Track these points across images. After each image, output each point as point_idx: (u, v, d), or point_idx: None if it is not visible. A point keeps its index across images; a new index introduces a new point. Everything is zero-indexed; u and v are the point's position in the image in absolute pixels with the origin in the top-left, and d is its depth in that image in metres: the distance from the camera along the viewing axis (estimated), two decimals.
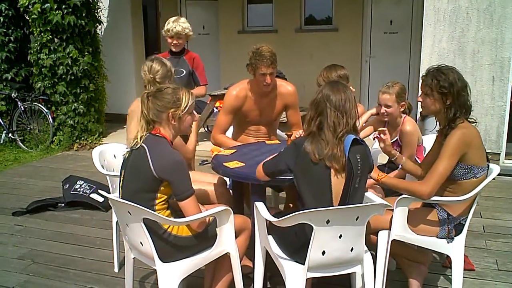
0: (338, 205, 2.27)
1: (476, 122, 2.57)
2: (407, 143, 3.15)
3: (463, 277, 2.62)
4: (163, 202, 2.34)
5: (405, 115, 3.23)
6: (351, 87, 3.37)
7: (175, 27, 4.20)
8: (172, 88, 2.43)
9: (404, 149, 3.15)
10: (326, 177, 2.24)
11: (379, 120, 3.36)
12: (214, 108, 7.26)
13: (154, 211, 2.28)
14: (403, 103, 3.17)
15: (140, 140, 2.34)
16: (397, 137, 3.22)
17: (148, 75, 3.08)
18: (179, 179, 2.29)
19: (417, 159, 3.13)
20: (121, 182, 2.42)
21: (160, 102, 2.37)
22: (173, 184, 2.29)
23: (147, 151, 2.29)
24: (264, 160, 2.51)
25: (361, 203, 2.38)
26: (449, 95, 2.50)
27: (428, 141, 3.22)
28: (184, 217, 2.31)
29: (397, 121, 3.22)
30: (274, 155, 2.48)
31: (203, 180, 3.12)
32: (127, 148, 2.48)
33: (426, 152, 3.00)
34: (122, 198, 2.37)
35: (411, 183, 2.63)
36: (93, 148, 3.59)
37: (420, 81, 2.68)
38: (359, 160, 2.26)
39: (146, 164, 2.27)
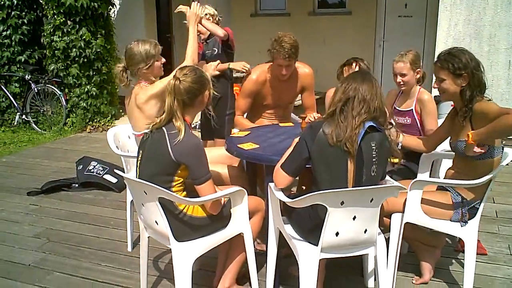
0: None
1: (491, 100, 2.54)
2: (429, 112, 3.12)
3: (475, 261, 2.62)
4: (180, 184, 2.36)
5: (420, 87, 3.19)
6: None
7: None
8: (196, 68, 2.44)
9: (426, 118, 3.12)
10: (343, 161, 2.22)
11: (393, 93, 3.33)
12: None
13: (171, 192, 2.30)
14: (418, 69, 3.13)
15: (164, 124, 2.34)
16: (413, 107, 3.18)
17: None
18: (197, 164, 2.30)
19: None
20: (138, 162, 2.43)
21: (196, 85, 2.36)
22: (190, 168, 2.30)
23: (166, 134, 2.30)
24: (279, 164, 2.39)
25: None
26: (464, 77, 2.49)
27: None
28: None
29: (412, 90, 3.18)
30: (287, 153, 2.38)
31: (218, 155, 3.10)
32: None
33: (436, 129, 2.98)
34: (139, 179, 2.38)
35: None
36: (105, 130, 3.63)
37: (433, 67, 2.65)
38: (374, 147, 2.23)
39: (165, 147, 2.27)
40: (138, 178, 2.41)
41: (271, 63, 3.42)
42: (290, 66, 3.25)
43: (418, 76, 3.15)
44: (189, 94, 2.35)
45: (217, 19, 3.98)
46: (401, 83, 3.14)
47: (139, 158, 2.43)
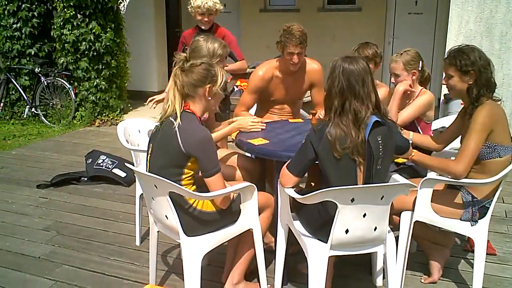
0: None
1: (501, 100, 2.54)
2: (413, 102, 3.04)
3: (484, 261, 2.60)
4: (190, 178, 2.37)
5: (422, 87, 3.14)
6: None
7: (206, 3, 3.96)
8: (208, 63, 2.44)
9: (407, 106, 3.05)
10: (352, 160, 2.22)
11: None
12: (235, 87, 7.26)
13: (180, 186, 2.31)
14: (413, 71, 3.05)
15: (171, 115, 2.35)
16: None
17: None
18: (206, 156, 2.30)
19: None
20: (149, 155, 2.44)
21: (196, 76, 2.37)
22: (200, 161, 2.30)
23: (176, 126, 2.30)
24: (285, 165, 2.41)
25: (385, 182, 2.37)
26: (471, 74, 2.48)
27: (449, 122, 3.14)
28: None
29: (412, 91, 3.09)
30: (294, 155, 2.39)
31: (228, 157, 3.12)
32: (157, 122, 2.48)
33: (447, 127, 2.96)
34: (149, 172, 2.40)
35: (445, 161, 2.60)
36: (114, 125, 3.64)
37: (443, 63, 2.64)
38: (380, 142, 2.23)
39: (175, 139, 2.28)
40: (148, 171, 2.42)
41: (279, 58, 3.41)
42: (301, 54, 3.25)
43: (414, 77, 3.06)
44: (188, 82, 2.36)
45: (215, 9, 3.99)
46: (395, 83, 3.11)
47: (150, 151, 2.44)
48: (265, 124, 3.07)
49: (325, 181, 2.31)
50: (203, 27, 4.10)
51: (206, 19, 4.03)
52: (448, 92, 2.68)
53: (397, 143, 2.37)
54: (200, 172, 2.36)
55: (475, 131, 2.43)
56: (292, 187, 2.40)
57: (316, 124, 2.38)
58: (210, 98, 2.42)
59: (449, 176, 2.50)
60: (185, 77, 2.37)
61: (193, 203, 2.37)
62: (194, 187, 2.40)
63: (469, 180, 2.51)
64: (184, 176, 2.34)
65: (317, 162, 2.31)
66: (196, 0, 4.00)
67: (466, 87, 2.51)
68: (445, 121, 3.49)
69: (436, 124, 3.40)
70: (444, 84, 2.64)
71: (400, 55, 3.08)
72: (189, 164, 2.32)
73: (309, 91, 3.59)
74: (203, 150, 2.29)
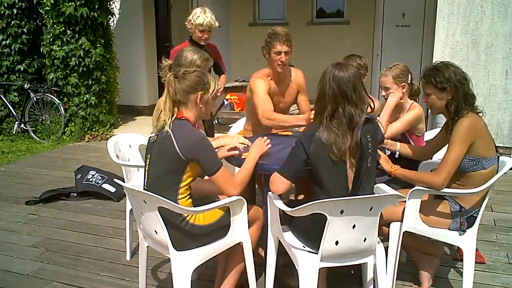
0: (352, 186, 2.30)
1: (482, 112, 2.59)
2: (402, 117, 3.09)
3: (474, 269, 2.61)
4: (187, 187, 2.39)
5: (412, 101, 3.19)
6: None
7: (208, 20, 3.97)
8: (201, 71, 2.49)
9: (394, 118, 3.11)
10: (342, 164, 2.27)
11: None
12: (225, 100, 7.30)
13: (178, 195, 2.34)
14: (403, 84, 3.09)
15: (165, 124, 2.37)
16: None
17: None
18: (205, 155, 2.34)
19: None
20: (147, 166, 2.46)
21: (188, 83, 2.40)
22: (200, 162, 2.33)
23: (171, 134, 2.33)
24: (276, 171, 2.42)
25: (374, 183, 2.43)
26: (448, 90, 2.54)
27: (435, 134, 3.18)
28: (205, 205, 2.36)
29: (403, 104, 3.15)
30: (285, 159, 2.42)
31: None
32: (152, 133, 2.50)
33: (430, 140, 3.02)
34: (147, 182, 2.43)
35: (424, 174, 2.65)
36: (104, 139, 3.63)
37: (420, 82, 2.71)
38: (369, 139, 2.29)
39: (172, 146, 2.30)
40: (146, 181, 2.44)
41: (268, 67, 3.43)
42: (288, 54, 3.28)
43: (404, 90, 3.11)
44: (181, 89, 2.39)
45: (215, 26, 4.02)
46: (386, 97, 3.16)
47: (148, 162, 2.45)
48: (250, 142, 3.04)
49: (316, 183, 2.33)
50: (202, 43, 4.07)
51: (206, 36, 4.05)
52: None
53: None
54: (204, 172, 2.39)
55: (455, 143, 2.47)
56: (283, 194, 2.42)
57: (306, 128, 2.42)
58: (201, 106, 2.45)
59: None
60: (177, 83, 2.40)
61: (187, 216, 2.37)
62: (190, 200, 2.41)
63: (456, 190, 2.54)
64: (182, 184, 2.36)
65: (306, 167, 2.34)
66: (198, 17, 3.99)
67: (445, 103, 2.57)
68: (436, 133, 3.52)
69: (428, 136, 3.43)
70: (424, 102, 2.70)
71: (389, 69, 3.13)
72: (189, 169, 2.35)
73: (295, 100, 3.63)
74: (201, 150, 2.33)
